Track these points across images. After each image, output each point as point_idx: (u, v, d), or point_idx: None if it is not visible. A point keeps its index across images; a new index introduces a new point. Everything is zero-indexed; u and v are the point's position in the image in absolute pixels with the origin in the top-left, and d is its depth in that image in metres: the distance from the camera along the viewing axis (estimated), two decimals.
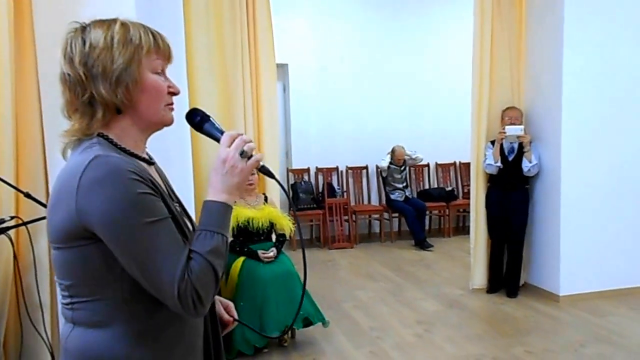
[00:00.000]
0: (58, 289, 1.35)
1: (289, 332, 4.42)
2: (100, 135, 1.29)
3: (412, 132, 8.51)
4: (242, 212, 4.26)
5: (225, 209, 1.31)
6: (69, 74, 1.27)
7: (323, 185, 8.27)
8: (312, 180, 8.35)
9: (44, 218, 3.13)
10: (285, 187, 7.94)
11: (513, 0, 5.56)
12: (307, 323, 4.26)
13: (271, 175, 1.41)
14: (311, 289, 4.48)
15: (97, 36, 1.27)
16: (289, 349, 4.29)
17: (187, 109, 1.43)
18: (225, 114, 4.64)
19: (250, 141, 1.35)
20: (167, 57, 1.37)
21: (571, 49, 5.13)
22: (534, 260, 5.60)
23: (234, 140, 1.33)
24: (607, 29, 5.23)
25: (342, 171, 8.48)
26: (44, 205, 3.03)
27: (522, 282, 5.58)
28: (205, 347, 1.45)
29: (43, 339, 3.32)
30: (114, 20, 1.30)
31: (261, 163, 1.37)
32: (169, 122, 1.38)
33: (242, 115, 4.73)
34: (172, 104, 1.38)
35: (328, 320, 4.35)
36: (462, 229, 8.60)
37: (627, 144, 5.37)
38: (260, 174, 4.63)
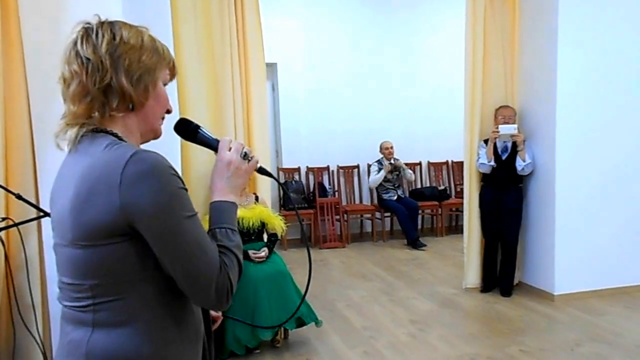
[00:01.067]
0: (64, 291, 1.30)
1: (282, 332, 4.36)
2: (112, 133, 1.30)
3: (404, 131, 8.49)
4: None
5: (235, 208, 1.40)
6: (87, 59, 1.27)
7: (314, 184, 8.21)
8: (303, 179, 8.30)
9: (35, 219, 3.13)
10: (276, 187, 7.90)
11: None
12: (300, 323, 4.21)
13: (270, 175, 1.52)
14: (303, 289, 4.42)
15: (128, 35, 1.30)
16: (281, 350, 4.23)
17: (176, 111, 1.42)
18: (215, 114, 4.60)
19: (244, 144, 1.45)
20: (174, 76, 1.43)
21: (565, 46, 5.10)
22: (528, 259, 5.57)
23: (230, 145, 1.42)
24: (601, 26, 5.21)
25: (333, 170, 8.43)
26: (35, 207, 3.02)
27: (516, 281, 5.55)
28: None
29: (35, 338, 3.32)
30: (144, 29, 1.36)
31: (259, 164, 1.47)
32: (159, 135, 1.43)
33: (232, 115, 4.68)
34: (164, 118, 1.43)
35: (321, 320, 4.29)
36: (455, 228, 8.59)
37: (621, 142, 5.35)
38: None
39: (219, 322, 1.68)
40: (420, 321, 4.77)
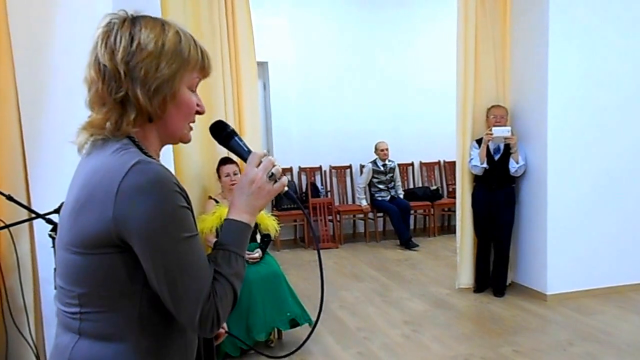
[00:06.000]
0: (59, 294, 1.26)
1: (276, 333, 4.35)
2: (128, 136, 1.23)
3: (396, 130, 8.47)
4: (226, 213, 4.18)
5: (247, 230, 1.31)
6: (105, 66, 1.19)
7: (307, 185, 8.20)
8: (295, 180, 8.27)
9: (26, 220, 3.12)
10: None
11: None
12: (294, 324, 4.20)
13: (295, 201, 1.41)
14: (297, 290, 4.42)
15: (147, 38, 1.20)
16: (275, 351, 4.22)
17: None
18: (206, 113, 4.57)
19: (276, 163, 1.34)
20: (206, 76, 1.33)
21: (556, 46, 5.11)
22: (521, 259, 5.58)
23: (261, 161, 1.32)
24: (592, 25, 5.22)
25: (325, 171, 8.41)
26: (27, 208, 3.01)
27: (509, 281, 5.56)
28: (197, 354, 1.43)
29: (27, 341, 3.29)
30: (168, 25, 1.24)
31: (286, 189, 1.36)
32: (187, 141, 1.34)
33: (223, 114, 4.63)
34: (194, 122, 1.34)
35: (314, 320, 4.28)
36: (447, 228, 8.60)
37: (614, 142, 5.37)
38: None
39: (222, 338, 1.63)
40: (414, 322, 4.78)
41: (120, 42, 1.19)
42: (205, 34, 4.56)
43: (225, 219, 1.32)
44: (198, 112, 1.33)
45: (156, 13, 3.76)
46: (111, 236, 1.13)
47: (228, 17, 4.68)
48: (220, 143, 1.41)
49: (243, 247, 1.29)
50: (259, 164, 1.32)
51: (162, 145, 1.34)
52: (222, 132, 1.40)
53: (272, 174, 1.31)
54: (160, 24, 1.23)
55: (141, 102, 1.19)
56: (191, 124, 1.33)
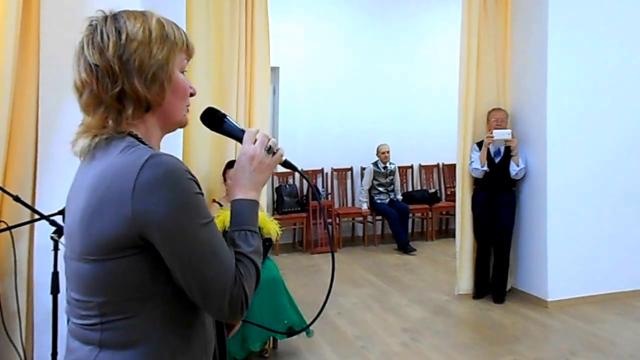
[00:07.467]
0: (73, 307, 1.21)
1: (271, 342, 4.27)
2: (130, 134, 1.22)
3: (397, 133, 8.43)
4: (229, 216, 4.11)
5: (257, 206, 1.34)
6: (96, 65, 1.18)
7: (308, 188, 8.11)
8: (297, 183, 8.19)
9: (30, 222, 3.07)
10: (270, 191, 7.82)
11: (499, 5, 5.57)
12: (291, 332, 4.11)
13: (294, 169, 1.45)
14: (295, 297, 4.33)
15: (134, 28, 1.20)
16: None
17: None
18: None
19: (270, 137, 1.37)
20: (191, 56, 1.34)
21: (555, 52, 5.14)
22: (521, 264, 5.52)
23: (256, 138, 1.35)
24: (590, 32, 5.26)
25: (327, 173, 8.36)
26: (32, 209, 2.97)
27: (508, 286, 5.48)
28: None
29: (17, 349, 3.22)
30: (150, 13, 1.25)
31: (284, 157, 1.39)
32: (185, 124, 1.34)
33: (234, 115, 4.76)
34: (189, 105, 1.35)
35: (312, 329, 4.20)
36: (445, 232, 8.55)
37: (612, 145, 5.36)
38: None
39: (238, 327, 1.59)
40: (413, 329, 4.70)
41: (109, 38, 1.18)
42: (225, 40, 4.79)
43: (233, 201, 1.33)
44: (191, 94, 1.33)
45: (181, 17, 3.80)
46: (132, 236, 1.11)
47: (247, 25, 4.90)
48: (213, 128, 1.40)
49: (256, 223, 1.31)
50: (254, 141, 1.34)
51: (163, 134, 1.33)
52: (213, 118, 1.39)
53: (270, 147, 1.34)
54: (141, 14, 1.24)
55: (139, 93, 1.19)
56: (188, 107, 1.34)
